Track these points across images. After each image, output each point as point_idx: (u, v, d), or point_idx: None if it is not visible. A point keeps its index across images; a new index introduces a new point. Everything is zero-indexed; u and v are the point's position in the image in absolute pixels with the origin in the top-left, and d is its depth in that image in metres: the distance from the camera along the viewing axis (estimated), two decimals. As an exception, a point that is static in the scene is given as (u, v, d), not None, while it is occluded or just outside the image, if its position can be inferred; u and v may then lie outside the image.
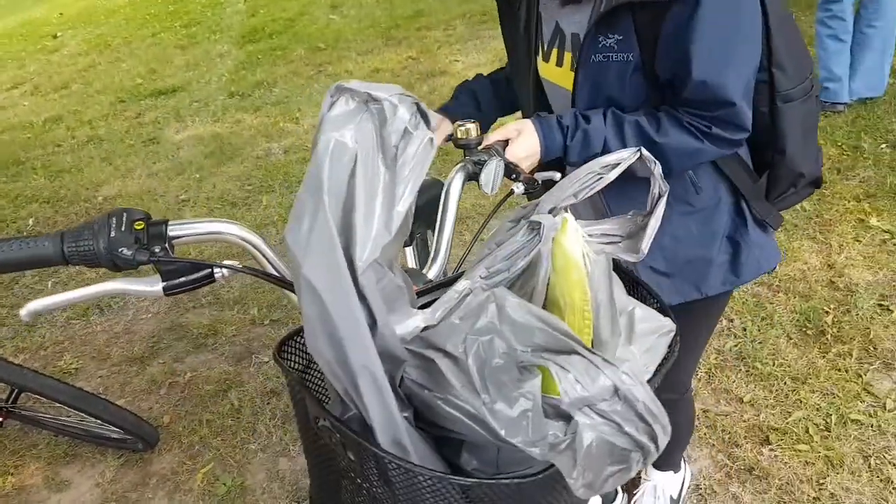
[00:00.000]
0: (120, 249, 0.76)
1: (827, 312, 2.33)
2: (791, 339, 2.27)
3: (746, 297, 2.44)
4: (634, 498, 1.86)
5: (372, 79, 5.00)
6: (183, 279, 0.83)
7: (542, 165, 1.09)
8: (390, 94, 0.62)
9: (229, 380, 2.41)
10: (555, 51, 1.13)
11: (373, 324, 0.64)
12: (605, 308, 0.80)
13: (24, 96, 5.93)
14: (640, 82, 1.04)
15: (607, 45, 1.02)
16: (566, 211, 0.82)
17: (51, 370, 2.56)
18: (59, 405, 1.94)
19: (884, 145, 3.15)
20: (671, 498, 1.83)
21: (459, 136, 1.04)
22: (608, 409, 0.64)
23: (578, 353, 0.65)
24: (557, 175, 1.04)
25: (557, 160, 1.07)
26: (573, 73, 1.08)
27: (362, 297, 0.61)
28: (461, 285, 0.79)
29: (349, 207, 0.59)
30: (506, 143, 1.04)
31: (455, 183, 0.99)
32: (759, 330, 2.31)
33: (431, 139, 0.63)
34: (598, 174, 0.83)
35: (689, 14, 0.93)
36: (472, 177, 1.01)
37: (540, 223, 0.77)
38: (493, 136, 1.06)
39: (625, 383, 0.63)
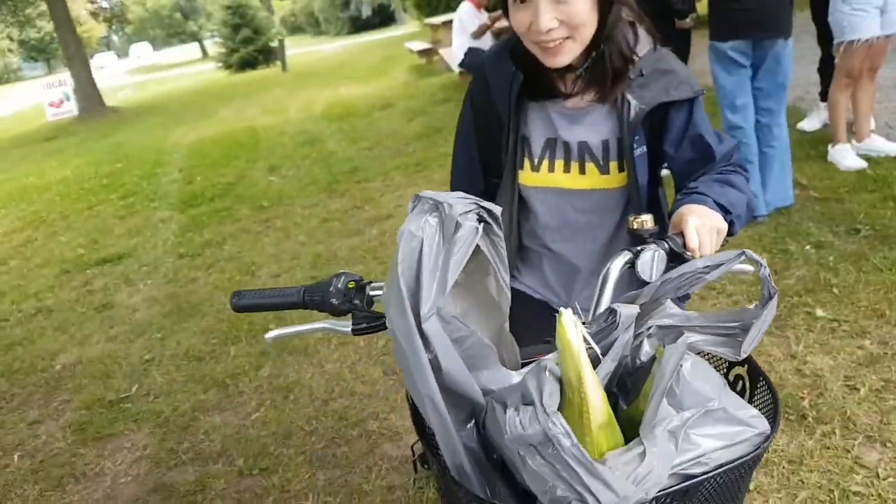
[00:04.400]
0: (332, 300, 1.08)
1: (802, 398, 2.47)
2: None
3: (725, 393, 2.56)
4: None
5: (323, 226, 5.19)
6: (365, 325, 1.10)
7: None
8: (448, 198, 0.84)
9: (225, 536, 2.29)
10: (559, 161, 1.36)
11: (436, 361, 0.81)
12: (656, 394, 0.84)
13: (-41, 276, 5.74)
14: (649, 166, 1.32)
15: (635, 141, 1.26)
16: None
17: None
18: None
19: (808, 246, 3.49)
20: None
21: (635, 226, 1.09)
22: (547, 453, 0.74)
23: (534, 405, 0.76)
24: (748, 269, 1.10)
25: None
26: (594, 174, 1.33)
27: (426, 340, 0.80)
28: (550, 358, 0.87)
29: (418, 276, 0.80)
30: (680, 236, 1.10)
31: (614, 265, 1.05)
32: (744, 421, 2.42)
33: (476, 227, 0.84)
34: (700, 274, 0.91)
35: (692, 106, 1.29)
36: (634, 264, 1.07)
37: (616, 311, 0.89)
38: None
39: (552, 431, 0.73)
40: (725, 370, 1.05)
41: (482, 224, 0.86)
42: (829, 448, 2.23)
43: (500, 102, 1.34)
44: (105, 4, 22.11)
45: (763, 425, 0.84)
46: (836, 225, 3.64)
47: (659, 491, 0.76)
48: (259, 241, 5.13)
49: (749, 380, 1.00)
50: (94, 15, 22.90)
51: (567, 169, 1.35)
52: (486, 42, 8.56)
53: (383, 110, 9.86)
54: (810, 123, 5.16)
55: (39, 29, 39.41)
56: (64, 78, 17.94)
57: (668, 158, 1.33)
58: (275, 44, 25.08)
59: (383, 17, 41.25)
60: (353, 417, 2.81)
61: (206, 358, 3.50)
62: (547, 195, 1.39)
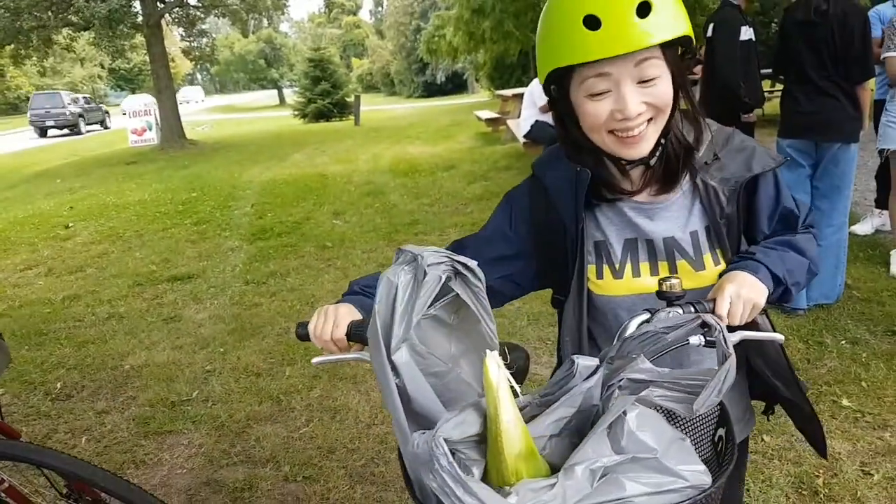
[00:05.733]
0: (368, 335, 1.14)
1: (817, 476, 2.60)
2: (790, 498, 2.51)
3: (744, 465, 2.70)
4: None
5: (379, 271, 5.47)
6: None
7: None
8: (423, 251, 1.00)
9: (267, 530, 2.52)
10: (644, 263, 1.25)
11: (403, 387, 0.93)
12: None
13: (39, 277, 6.23)
14: None
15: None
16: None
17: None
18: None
19: (843, 341, 3.60)
20: None
21: (664, 288, 1.09)
22: (433, 469, 0.82)
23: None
24: (779, 337, 1.16)
25: None
26: (687, 272, 1.23)
27: (395, 368, 0.93)
28: (523, 400, 0.96)
29: (392, 315, 0.95)
30: (712, 302, 1.10)
31: (632, 322, 1.07)
32: (760, 490, 2.55)
33: (440, 276, 0.96)
34: (660, 334, 0.98)
35: (777, 178, 1.26)
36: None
37: (574, 362, 0.96)
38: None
39: (435, 452, 0.82)
40: (713, 429, 1.14)
41: (453, 273, 0.99)
42: (837, 525, 2.35)
43: (562, 208, 1.26)
44: (196, 44, 23.51)
45: (699, 480, 0.88)
46: (875, 325, 3.75)
47: None
48: (320, 277, 5.48)
49: (725, 439, 1.10)
50: (186, 53, 24.37)
51: (654, 271, 1.24)
52: (554, 117, 8.95)
53: (446, 171, 10.29)
54: (862, 227, 5.29)
55: (129, 60, 42.20)
56: (149, 108, 19.15)
57: (758, 235, 1.28)
58: (350, 99, 26.21)
59: (455, 85, 42.73)
60: (392, 442, 3.02)
61: (263, 374, 3.79)
62: (634, 305, 1.23)
